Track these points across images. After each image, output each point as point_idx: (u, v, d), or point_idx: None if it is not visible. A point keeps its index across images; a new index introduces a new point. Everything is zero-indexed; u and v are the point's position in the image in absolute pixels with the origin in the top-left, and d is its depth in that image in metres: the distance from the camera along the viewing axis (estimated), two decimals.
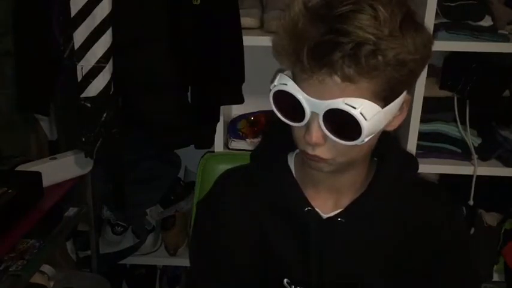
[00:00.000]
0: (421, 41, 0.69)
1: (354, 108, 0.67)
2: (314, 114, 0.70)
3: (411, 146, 1.49)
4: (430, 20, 1.38)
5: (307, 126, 0.72)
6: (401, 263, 0.83)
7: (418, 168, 0.87)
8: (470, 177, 1.55)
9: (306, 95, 0.69)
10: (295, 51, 0.67)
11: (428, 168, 1.55)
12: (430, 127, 1.56)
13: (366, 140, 0.71)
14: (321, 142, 0.71)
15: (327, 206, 0.83)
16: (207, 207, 0.92)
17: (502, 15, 1.44)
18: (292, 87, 0.71)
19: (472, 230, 1.69)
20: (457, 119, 1.55)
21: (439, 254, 0.84)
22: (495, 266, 1.74)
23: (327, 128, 0.70)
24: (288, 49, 0.69)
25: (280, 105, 0.75)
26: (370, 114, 0.68)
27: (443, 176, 1.70)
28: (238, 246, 0.87)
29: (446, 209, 0.86)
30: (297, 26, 0.68)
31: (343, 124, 0.69)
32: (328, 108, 0.68)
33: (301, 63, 0.67)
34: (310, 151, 0.73)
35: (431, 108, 1.52)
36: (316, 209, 0.82)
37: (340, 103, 0.67)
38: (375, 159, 0.86)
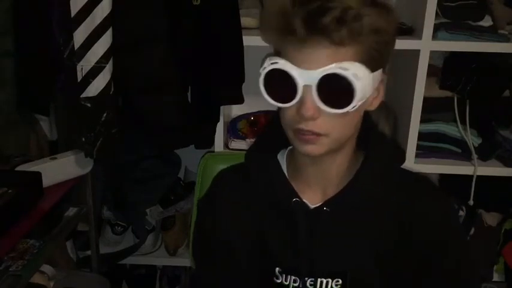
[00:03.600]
0: (393, 16, 0.77)
1: (347, 70, 0.72)
2: (306, 88, 0.74)
3: (411, 146, 1.49)
4: (430, 20, 1.38)
5: (301, 103, 0.75)
6: (391, 255, 0.84)
7: (404, 160, 0.90)
8: (470, 177, 1.55)
9: (297, 68, 0.74)
10: (287, 24, 0.72)
11: (428, 168, 1.55)
12: (430, 127, 1.56)
13: (358, 104, 0.75)
14: (315, 115, 0.75)
15: (315, 198, 0.87)
16: (206, 205, 0.97)
17: (502, 15, 1.45)
18: (283, 64, 0.75)
19: (472, 230, 1.69)
20: (457, 119, 1.55)
21: (428, 251, 0.84)
22: (495, 266, 1.74)
23: (321, 99, 0.74)
24: (279, 24, 0.74)
25: (271, 87, 0.78)
26: (361, 75, 0.73)
27: (443, 176, 1.70)
28: (236, 241, 0.90)
29: (439, 206, 0.86)
30: (286, 2, 0.74)
31: (336, 90, 0.73)
32: (322, 75, 0.72)
33: (294, 33, 0.72)
34: (304, 126, 0.76)
35: (431, 108, 1.52)
36: (305, 201, 0.86)
37: (333, 68, 0.72)
38: (363, 152, 0.88)
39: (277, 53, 0.79)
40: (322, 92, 0.73)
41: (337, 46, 0.72)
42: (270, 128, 0.90)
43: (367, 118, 0.86)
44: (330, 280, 0.84)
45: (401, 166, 0.89)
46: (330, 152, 0.80)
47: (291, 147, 0.92)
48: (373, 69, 0.76)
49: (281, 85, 0.76)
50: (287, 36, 0.73)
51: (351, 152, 0.86)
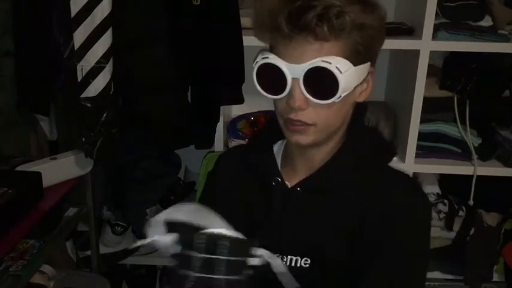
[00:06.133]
0: (378, 13, 0.81)
1: (330, 63, 0.77)
2: (295, 81, 0.79)
3: (411, 146, 1.49)
4: (430, 20, 1.38)
5: (290, 94, 0.80)
6: (355, 240, 0.85)
7: (391, 158, 0.93)
8: (470, 177, 1.55)
9: (286, 62, 0.79)
10: (274, 22, 0.77)
11: (428, 168, 1.55)
12: (430, 127, 1.56)
13: (343, 95, 0.79)
14: (303, 106, 0.80)
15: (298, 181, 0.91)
16: (211, 175, 1.06)
17: (502, 15, 1.45)
18: (273, 59, 0.80)
19: (472, 230, 1.69)
20: (457, 119, 1.55)
21: (381, 244, 0.84)
22: (495, 266, 1.74)
23: (307, 91, 0.79)
24: (267, 22, 0.79)
25: (263, 80, 0.83)
26: (344, 68, 0.78)
27: (443, 176, 1.70)
28: (224, 202, 0.96)
29: (405, 201, 0.86)
30: (274, 1, 0.79)
31: (321, 82, 0.78)
32: (307, 68, 0.77)
33: (280, 30, 0.77)
34: (293, 116, 0.81)
35: (431, 108, 1.53)
36: (286, 182, 0.91)
37: (318, 61, 0.77)
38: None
39: (271, 49, 0.83)
40: (308, 85, 0.78)
41: (321, 42, 0.77)
42: (272, 120, 0.95)
43: (358, 111, 0.89)
44: (299, 258, 0.88)
45: (402, 167, 0.89)
46: (317, 142, 0.85)
47: None
48: (358, 63, 0.80)
49: (272, 78, 0.81)
50: (276, 33, 0.78)
51: (338, 144, 0.90)
